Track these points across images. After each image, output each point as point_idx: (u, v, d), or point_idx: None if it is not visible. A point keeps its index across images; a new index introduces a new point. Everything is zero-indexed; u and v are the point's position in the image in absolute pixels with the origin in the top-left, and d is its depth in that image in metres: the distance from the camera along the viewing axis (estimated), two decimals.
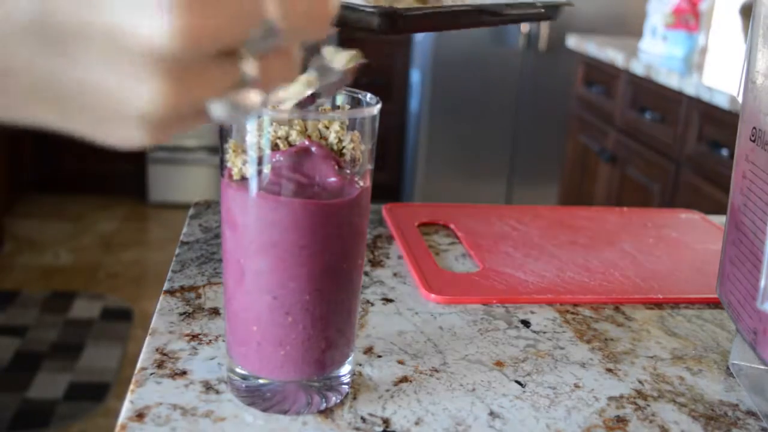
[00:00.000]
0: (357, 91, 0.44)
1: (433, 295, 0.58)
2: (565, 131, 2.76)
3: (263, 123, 0.39)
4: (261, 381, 0.43)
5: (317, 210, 0.39)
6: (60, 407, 1.90)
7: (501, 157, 3.19)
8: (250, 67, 0.27)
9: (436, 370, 0.48)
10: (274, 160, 0.39)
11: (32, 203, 3.27)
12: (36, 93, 0.25)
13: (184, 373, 0.46)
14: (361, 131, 0.41)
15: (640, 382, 0.49)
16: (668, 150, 1.98)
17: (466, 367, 0.49)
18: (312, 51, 0.32)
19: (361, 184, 0.42)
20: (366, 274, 0.62)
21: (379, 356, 0.50)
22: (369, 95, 0.43)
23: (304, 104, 0.37)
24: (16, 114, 0.26)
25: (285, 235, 0.39)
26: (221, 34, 0.25)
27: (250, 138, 0.39)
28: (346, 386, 0.45)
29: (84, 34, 0.24)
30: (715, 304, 0.62)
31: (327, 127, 0.41)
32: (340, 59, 0.36)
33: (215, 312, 0.54)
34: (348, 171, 0.41)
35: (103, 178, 3.42)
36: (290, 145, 0.40)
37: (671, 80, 1.93)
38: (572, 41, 2.59)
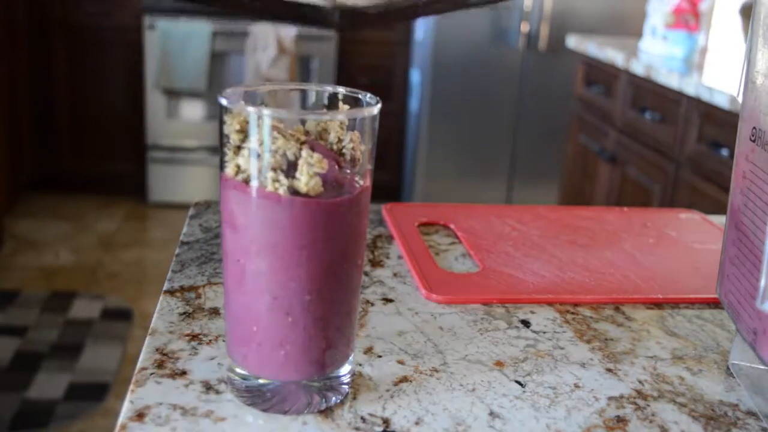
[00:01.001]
0: (357, 91, 0.44)
1: (433, 295, 0.58)
2: (565, 131, 2.76)
3: (263, 123, 0.39)
4: (261, 381, 0.43)
5: (317, 210, 0.39)
6: (60, 407, 1.90)
7: (501, 157, 3.19)
8: None
9: (436, 370, 0.48)
10: (274, 159, 0.39)
11: (32, 203, 3.27)
12: None
13: (184, 373, 0.46)
14: (361, 131, 0.41)
15: (640, 382, 0.49)
16: (668, 150, 1.98)
17: (466, 367, 0.49)
18: None
19: (361, 183, 0.42)
20: (366, 274, 0.62)
21: (379, 356, 0.50)
22: (369, 95, 0.43)
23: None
24: None
25: (285, 235, 0.39)
26: None
27: (251, 138, 0.39)
28: (346, 386, 0.45)
29: None
30: (715, 304, 0.62)
31: (326, 129, 0.41)
32: None
33: (215, 312, 0.54)
34: (348, 171, 0.41)
35: (103, 178, 3.43)
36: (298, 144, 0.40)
37: (671, 80, 1.93)
38: (572, 41, 2.59)
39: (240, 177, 0.40)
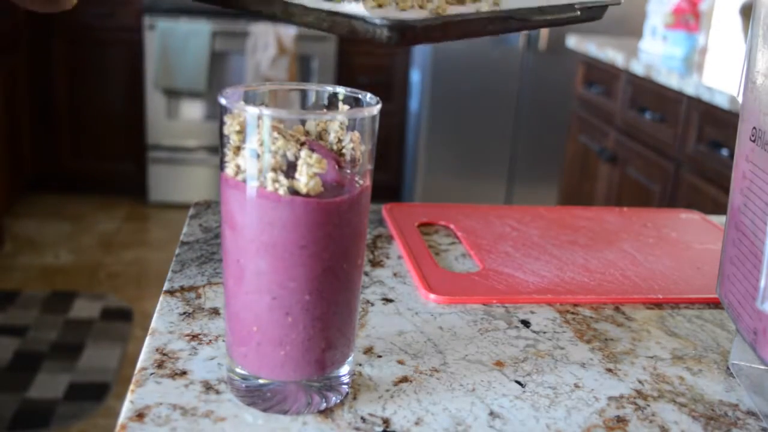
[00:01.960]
0: (357, 91, 0.44)
1: (433, 295, 0.58)
2: (565, 131, 2.76)
3: (263, 123, 0.39)
4: (261, 381, 0.43)
5: (317, 210, 0.39)
6: (60, 407, 1.90)
7: (501, 157, 3.19)
8: None
9: (436, 370, 0.48)
10: (274, 159, 0.39)
11: (32, 203, 3.27)
12: None
13: (184, 373, 0.46)
14: (361, 131, 0.41)
15: (640, 382, 0.49)
16: (668, 150, 1.98)
17: (466, 367, 0.49)
18: None
19: (361, 183, 0.42)
20: (366, 274, 0.62)
21: (379, 356, 0.50)
22: (369, 95, 0.43)
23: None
24: None
25: (285, 235, 0.39)
26: None
27: (250, 138, 0.39)
28: (346, 386, 0.45)
29: None
30: (715, 304, 0.62)
31: (326, 129, 0.41)
32: None
33: (215, 312, 0.54)
34: (348, 171, 0.41)
35: (103, 178, 3.43)
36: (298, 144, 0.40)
37: (671, 80, 1.93)
38: (572, 41, 2.59)
39: (240, 177, 0.40)
